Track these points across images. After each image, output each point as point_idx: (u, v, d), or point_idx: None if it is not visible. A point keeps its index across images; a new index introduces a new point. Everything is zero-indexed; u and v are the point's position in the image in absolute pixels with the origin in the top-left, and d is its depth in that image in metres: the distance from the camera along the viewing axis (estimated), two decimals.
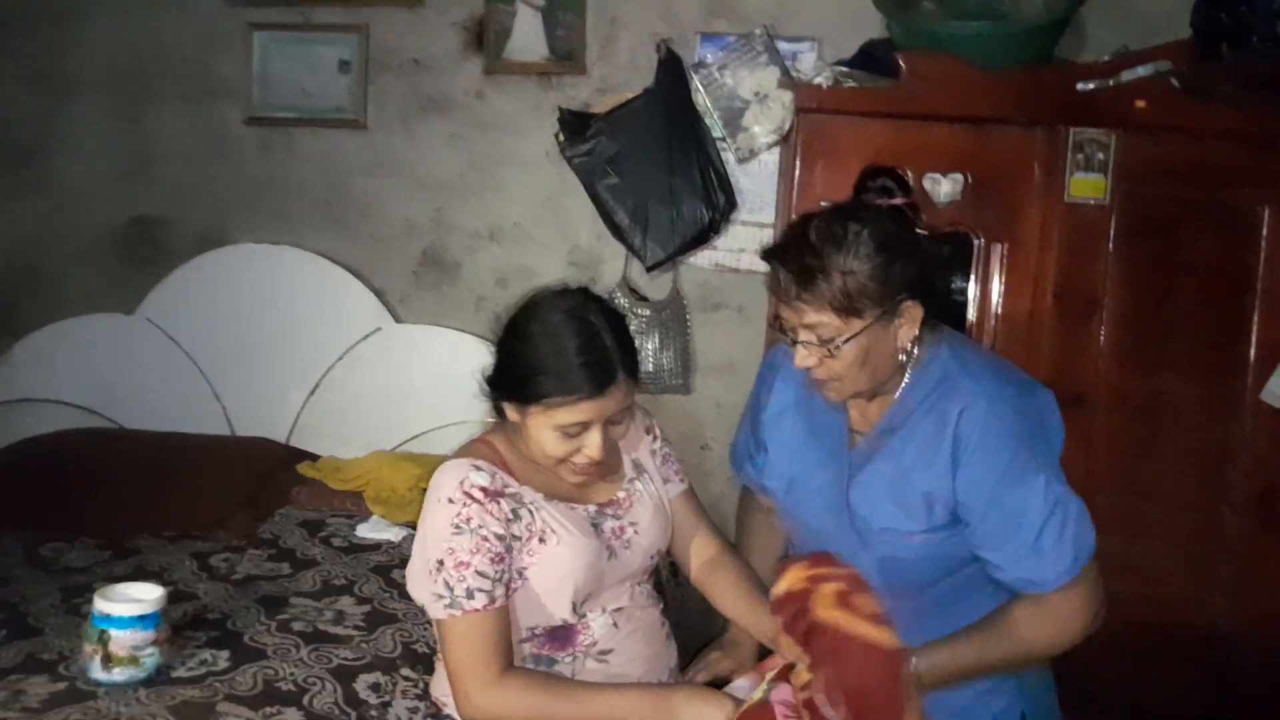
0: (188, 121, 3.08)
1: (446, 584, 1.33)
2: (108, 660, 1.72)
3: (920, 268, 1.39)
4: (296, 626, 2.02)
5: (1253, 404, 2.41)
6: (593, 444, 1.37)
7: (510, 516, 1.37)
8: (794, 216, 1.73)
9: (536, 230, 3.02)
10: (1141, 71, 2.36)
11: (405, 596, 2.20)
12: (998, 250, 2.44)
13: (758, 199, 2.87)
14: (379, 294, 3.03)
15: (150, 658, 1.74)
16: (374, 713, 1.76)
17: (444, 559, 1.34)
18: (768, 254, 1.43)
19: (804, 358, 1.39)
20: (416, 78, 3.01)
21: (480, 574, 1.33)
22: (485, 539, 1.34)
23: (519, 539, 1.38)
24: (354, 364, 3.00)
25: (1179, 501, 2.45)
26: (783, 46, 2.80)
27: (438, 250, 3.05)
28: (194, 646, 1.88)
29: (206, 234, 3.08)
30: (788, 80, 2.71)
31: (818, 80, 2.48)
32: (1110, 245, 2.42)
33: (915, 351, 1.43)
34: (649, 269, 2.88)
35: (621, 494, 1.49)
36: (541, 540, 1.39)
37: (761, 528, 1.69)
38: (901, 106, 2.40)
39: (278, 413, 3.01)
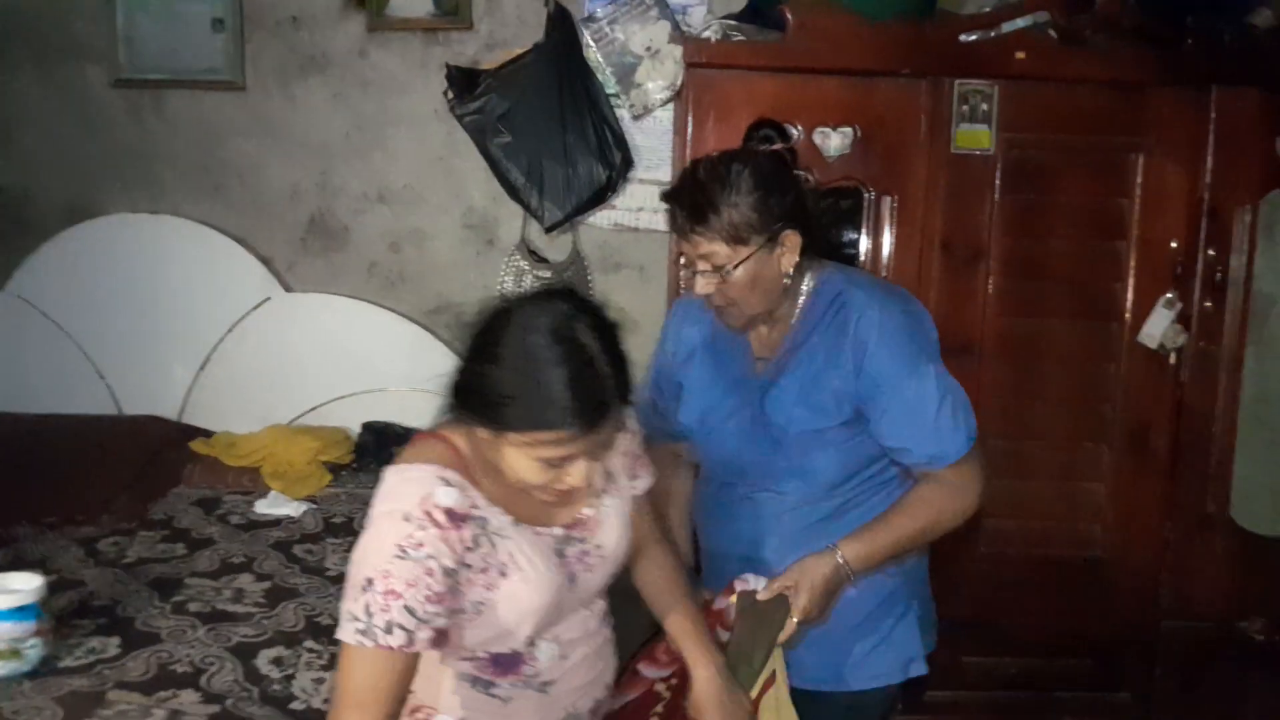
0: (47, 85, 2.89)
1: (368, 608, 1.15)
2: None
3: (795, 201, 1.58)
4: (192, 607, 1.97)
5: (1129, 345, 2.52)
6: (578, 474, 1.21)
7: (470, 545, 1.21)
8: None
9: (428, 191, 2.95)
10: (1020, 23, 2.42)
11: (307, 571, 2.18)
12: (887, 203, 2.49)
13: (654, 156, 2.85)
14: (266, 262, 2.92)
15: (33, 649, 1.69)
16: (276, 687, 1.73)
17: (374, 579, 1.15)
18: (665, 196, 1.62)
19: (703, 285, 1.58)
20: (295, 36, 2.89)
21: (408, 610, 1.15)
22: (430, 571, 1.16)
23: (471, 568, 1.22)
24: (244, 336, 2.90)
25: (1060, 440, 2.57)
26: (672, 0, 2.77)
27: (325, 215, 2.95)
28: (81, 635, 1.82)
29: (76, 205, 2.91)
30: (677, 35, 2.69)
31: (706, 34, 2.47)
32: (995, 195, 2.49)
33: (804, 278, 1.62)
34: (547, 230, 2.85)
35: (589, 511, 1.34)
36: (502, 574, 1.23)
37: (670, 473, 1.79)
38: (789, 60, 2.41)
39: (167, 389, 2.90)
